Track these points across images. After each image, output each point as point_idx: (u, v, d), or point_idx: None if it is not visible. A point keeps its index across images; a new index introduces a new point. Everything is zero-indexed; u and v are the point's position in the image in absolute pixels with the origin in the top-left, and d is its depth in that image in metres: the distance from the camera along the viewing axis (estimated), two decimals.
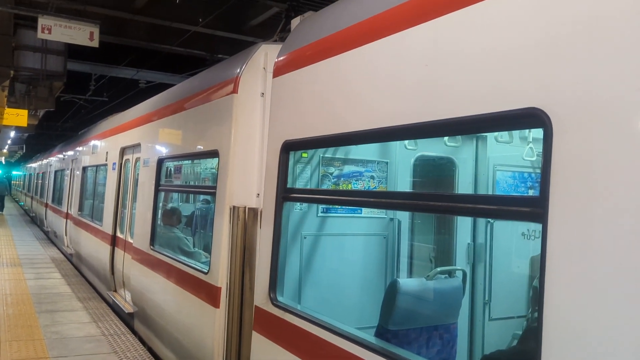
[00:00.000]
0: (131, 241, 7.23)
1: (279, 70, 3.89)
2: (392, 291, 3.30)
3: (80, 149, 13.45)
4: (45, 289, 9.46)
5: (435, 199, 2.65)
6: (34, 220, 25.10)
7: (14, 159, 48.72)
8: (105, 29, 11.75)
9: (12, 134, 22.09)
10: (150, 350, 6.15)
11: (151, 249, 6.10)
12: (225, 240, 4.28)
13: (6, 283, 9.78)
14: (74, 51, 14.70)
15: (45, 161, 22.96)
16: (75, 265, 12.14)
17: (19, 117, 15.80)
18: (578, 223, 1.79)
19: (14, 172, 57.84)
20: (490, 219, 4.42)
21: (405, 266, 4.48)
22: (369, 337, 2.97)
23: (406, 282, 3.53)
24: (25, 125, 16.38)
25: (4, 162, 47.46)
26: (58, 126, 29.08)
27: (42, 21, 10.05)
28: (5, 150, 27.52)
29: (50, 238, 17.69)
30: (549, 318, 1.86)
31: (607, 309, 1.69)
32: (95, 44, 10.63)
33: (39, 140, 33.96)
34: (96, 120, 16.45)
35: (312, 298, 4.10)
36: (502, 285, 4.47)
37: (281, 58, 3.92)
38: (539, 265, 1.95)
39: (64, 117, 26.38)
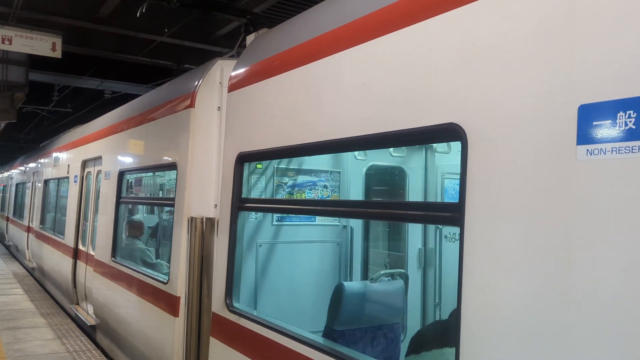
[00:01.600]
0: (93, 254, 7.31)
1: (234, 85, 4.10)
2: (337, 293, 3.53)
3: (41, 161, 13.49)
4: (7, 306, 9.38)
5: (370, 206, 2.89)
6: None
7: None
8: (69, 39, 11.70)
9: None
10: None
11: (112, 261, 6.20)
12: (184, 250, 4.44)
13: None
14: (36, 61, 14.31)
15: (6, 174, 22.77)
16: (38, 279, 12.10)
17: None
18: (487, 226, 2.04)
19: None
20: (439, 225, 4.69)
21: (358, 271, 4.72)
22: (318, 338, 3.18)
23: (351, 285, 3.76)
24: None
25: None
26: (20, 138, 28.49)
27: (2, 32, 9.89)
28: None
29: (12, 252, 17.51)
30: (465, 302, 2.10)
31: (509, 298, 1.94)
32: (57, 54, 10.51)
33: (0, 152, 33.31)
34: (60, 132, 16.35)
35: (268, 304, 4.29)
36: (452, 288, 4.74)
37: (235, 74, 4.13)
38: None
39: (26, 128, 25.90)
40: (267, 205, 4.05)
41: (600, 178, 1.71)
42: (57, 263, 9.74)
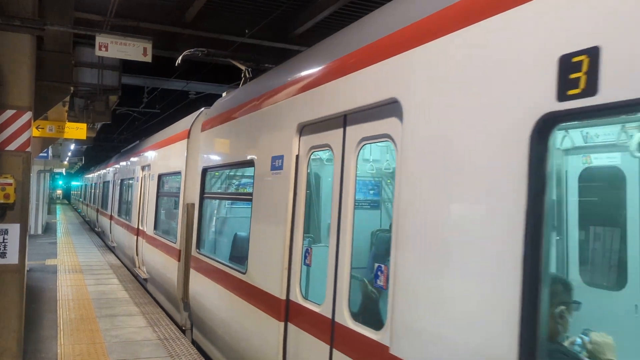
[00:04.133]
0: (145, 230, 12.16)
1: (202, 128, 8.17)
2: (234, 237, 7.56)
3: (117, 166, 19.72)
4: (105, 295, 11.49)
5: (240, 195, 7.01)
6: (90, 225, 32.14)
7: (73, 170, 56.80)
8: (157, 43, 13.29)
9: (72, 146, 26.28)
10: (164, 309, 10.45)
11: (154, 233, 11.02)
12: (183, 223, 8.82)
13: (68, 289, 12.07)
14: (127, 65, 17.76)
15: (95, 174, 30.83)
16: (116, 254, 17.85)
17: (78, 130, 18.49)
18: (256, 205, 5.87)
19: (73, 183, 69.26)
20: None
21: None
22: (227, 261, 7.30)
23: (240, 233, 7.65)
24: (85, 138, 19.18)
25: (64, 173, 56.31)
26: (114, 138, 34.85)
27: (100, 39, 11.37)
28: (65, 162, 31.88)
29: (102, 238, 23.99)
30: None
31: (261, 242, 5.80)
32: (148, 59, 11.75)
33: (97, 151, 39.72)
34: (149, 132, 21.15)
35: (219, 250, 8.27)
36: None
37: (204, 121, 8.27)
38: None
39: (120, 129, 32.09)
40: (211, 195, 8.20)
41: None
42: (128, 240, 15.18)
